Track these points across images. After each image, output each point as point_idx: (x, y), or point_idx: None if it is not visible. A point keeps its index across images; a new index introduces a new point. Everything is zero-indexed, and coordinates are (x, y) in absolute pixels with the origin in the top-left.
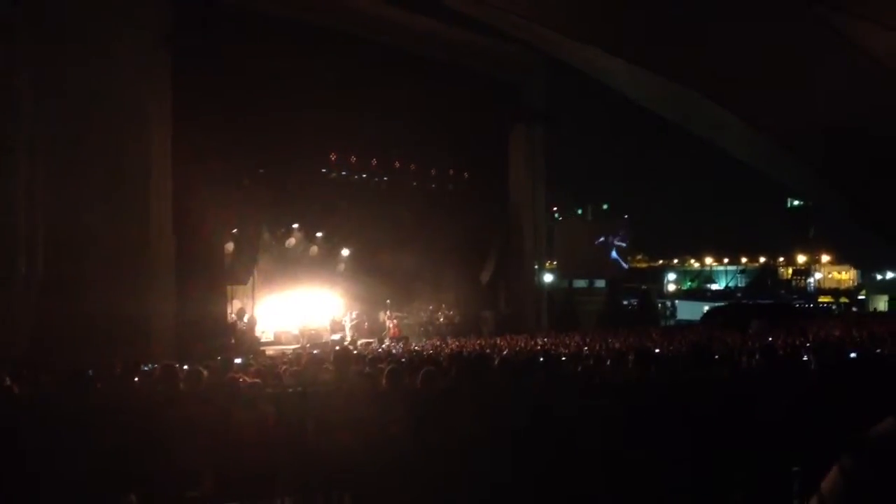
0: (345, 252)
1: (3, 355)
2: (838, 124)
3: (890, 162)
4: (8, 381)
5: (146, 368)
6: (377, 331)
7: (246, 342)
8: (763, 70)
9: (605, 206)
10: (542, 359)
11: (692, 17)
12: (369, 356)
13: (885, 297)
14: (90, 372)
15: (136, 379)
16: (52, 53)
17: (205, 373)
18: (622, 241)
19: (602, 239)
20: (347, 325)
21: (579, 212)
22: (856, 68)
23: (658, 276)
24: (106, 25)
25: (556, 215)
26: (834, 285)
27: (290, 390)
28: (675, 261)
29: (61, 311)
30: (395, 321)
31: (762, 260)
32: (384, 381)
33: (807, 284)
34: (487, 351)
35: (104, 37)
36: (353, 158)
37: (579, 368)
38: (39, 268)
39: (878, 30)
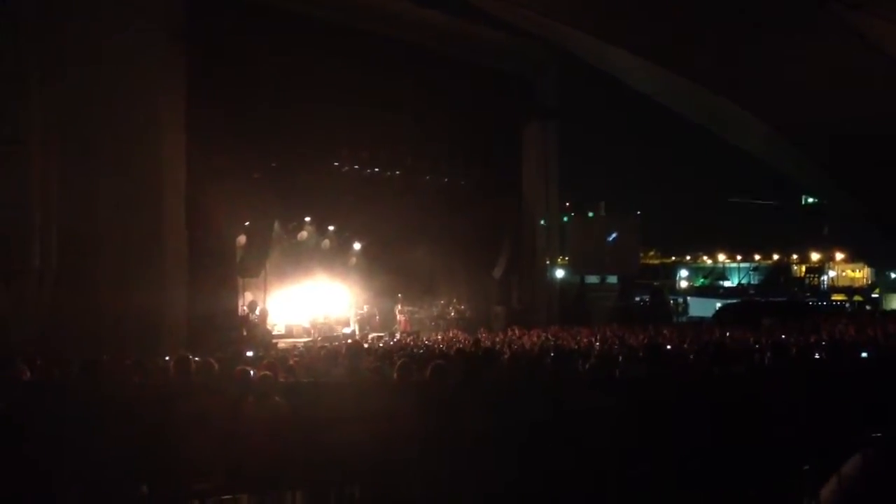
0: (357, 246)
1: (16, 347)
2: (849, 123)
3: None
4: (24, 372)
5: (158, 360)
6: (388, 325)
7: (257, 335)
8: (776, 68)
9: (601, 205)
10: (552, 354)
11: (707, 17)
12: (380, 350)
13: None
14: (103, 363)
15: (148, 370)
16: (62, 47)
17: (216, 365)
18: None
19: (614, 235)
20: (353, 319)
21: (590, 214)
22: (870, 68)
23: (670, 272)
24: (117, 19)
25: (570, 213)
26: (847, 283)
27: (305, 381)
28: (688, 257)
29: (74, 304)
30: (405, 315)
31: (775, 257)
32: (395, 375)
33: (820, 282)
34: (498, 346)
35: (115, 31)
36: (365, 153)
37: (587, 366)
38: (52, 261)
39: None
